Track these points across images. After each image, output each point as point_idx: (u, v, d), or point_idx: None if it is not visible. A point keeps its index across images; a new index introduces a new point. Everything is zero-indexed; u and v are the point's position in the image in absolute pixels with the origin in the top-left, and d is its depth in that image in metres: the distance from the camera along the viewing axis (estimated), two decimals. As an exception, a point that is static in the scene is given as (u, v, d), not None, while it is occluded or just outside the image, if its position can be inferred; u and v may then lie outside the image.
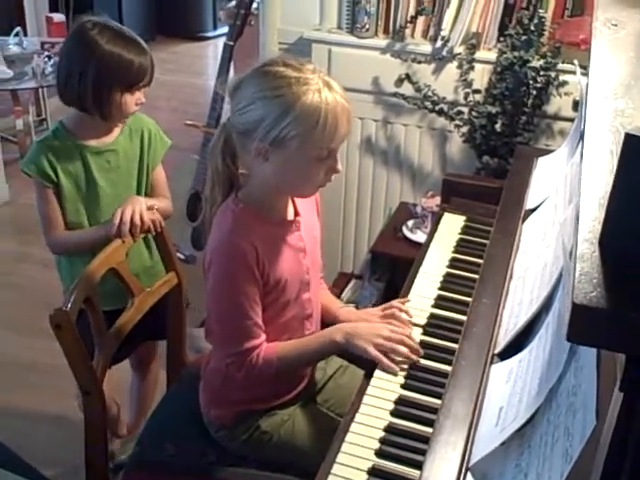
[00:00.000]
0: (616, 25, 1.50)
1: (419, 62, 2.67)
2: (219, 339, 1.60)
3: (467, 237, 1.98)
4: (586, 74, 1.41)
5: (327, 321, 1.72)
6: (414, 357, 1.52)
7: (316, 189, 1.56)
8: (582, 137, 1.08)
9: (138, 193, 2.05)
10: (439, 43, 2.65)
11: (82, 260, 1.94)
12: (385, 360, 1.51)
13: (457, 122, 2.63)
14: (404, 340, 1.54)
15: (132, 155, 2.04)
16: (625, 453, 0.77)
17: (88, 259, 1.82)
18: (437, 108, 2.64)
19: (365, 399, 1.44)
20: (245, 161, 1.51)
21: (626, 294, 0.70)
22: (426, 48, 2.68)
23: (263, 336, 1.55)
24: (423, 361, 1.54)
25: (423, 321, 1.66)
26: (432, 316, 1.68)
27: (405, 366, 1.52)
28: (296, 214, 1.60)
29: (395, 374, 1.50)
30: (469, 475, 1.18)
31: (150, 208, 1.94)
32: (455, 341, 1.54)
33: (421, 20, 2.69)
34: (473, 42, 2.61)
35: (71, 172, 1.98)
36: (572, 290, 0.67)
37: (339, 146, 1.48)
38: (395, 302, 1.69)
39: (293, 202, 1.61)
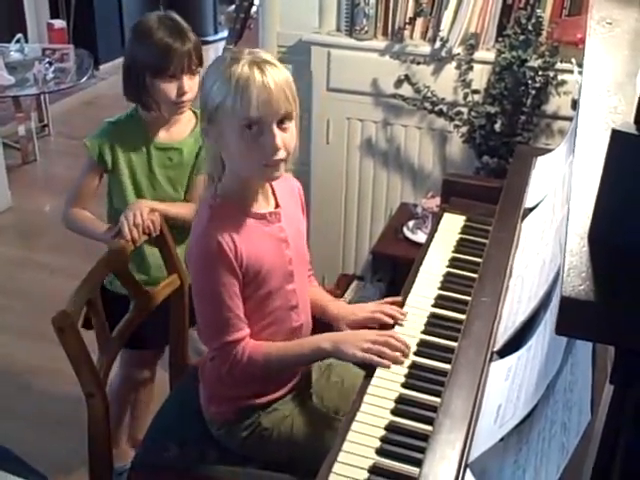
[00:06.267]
0: (611, 23, 1.51)
1: (418, 63, 2.68)
2: (204, 334, 1.62)
3: (467, 237, 1.99)
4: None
5: (316, 315, 1.75)
6: (402, 359, 1.54)
7: (263, 169, 1.52)
8: (575, 134, 1.09)
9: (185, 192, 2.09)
10: (438, 44, 2.66)
11: None
12: (375, 358, 1.52)
13: (456, 122, 2.64)
14: (389, 341, 1.55)
15: (192, 156, 2.07)
16: (616, 444, 0.78)
17: None
18: (436, 109, 2.65)
19: (366, 398, 1.45)
20: (215, 154, 1.57)
21: (614, 287, 0.71)
22: (425, 49, 2.69)
23: (246, 330, 1.57)
24: (424, 360, 1.55)
25: (423, 320, 1.67)
26: (432, 315, 1.68)
27: (399, 365, 1.53)
28: (277, 206, 1.63)
29: (387, 367, 1.52)
30: (468, 472, 1.18)
31: (152, 210, 1.96)
32: (455, 340, 1.55)
33: (420, 21, 2.70)
34: (472, 42, 2.62)
35: (132, 161, 2.02)
36: (561, 283, 0.68)
37: (269, 119, 1.47)
38: (388, 299, 1.73)
39: (274, 194, 1.63)
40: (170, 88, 1.94)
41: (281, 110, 1.48)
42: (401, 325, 1.65)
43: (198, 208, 1.60)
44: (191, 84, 1.96)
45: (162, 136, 2.05)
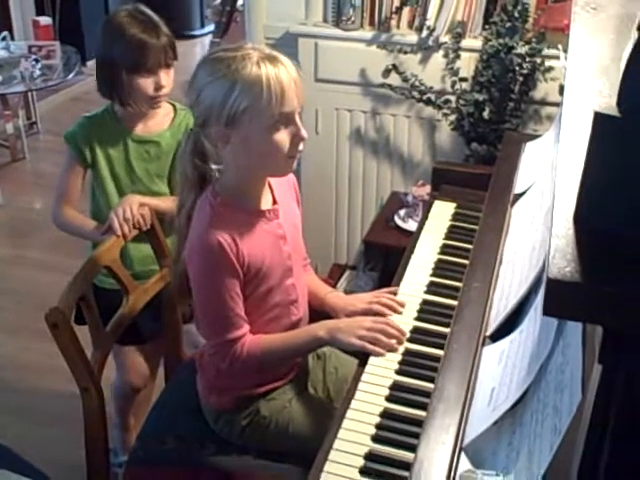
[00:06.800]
0: (595, 9, 1.51)
1: (405, 52, 2.69)
2: (204, 330, 1.63)
3: (458, 223, 2.00)
4: (569, 57, 1.42)
5: (314, 307, 1.75)
6: (396, 346, 1.55)
7: (288, 161, 1.54)
8: (560, 118, 1.10)
9: (168, 186, 2.09)
10: (425, 33, 2.67)
11: None
12: (370, 346, 1.53)
13: (445, 111, 2.65)
14: (385, 329, 1.56)
15: (172, 148, 2.06)
16: (606, 423, 0.79)
17: None
18: (425, 97, 2.66)
19: (360, 386, 1.46)
20: (215, 154, 1.53)
21: (599, 268, 0.72)
22: (412, 38, 2.70)
23: (246, 327, 1.58)
24: (417, 346, 1.56)
25: (416, 307, 1.68)
26: (424, 302, 1.70)
27: (394, 352, 1.54)
28: (274, 202, 1.63)
29: (383, 356, 1.53)
30: (463, 455, 1.20)
31: (142, 205, 1.96)
32: (447, 325, 1.56)
33: (406, 10, 2.70)
34: (458, 31, 2.62)
35: (110, 155, 2.02)
36: (547, 265, 0.69)
37: (295, 112, 1.49)
38: (384, 290, 1.72)
39: (271, 190, 1.63)
40: (147, 83, 1.94)
41: (301, 100, 1.49)
42: (399, 313, 1.66)
43: (197, 206, 1.57)
44: (167, 78, 1.96)
45: (139, 129, 2.05)
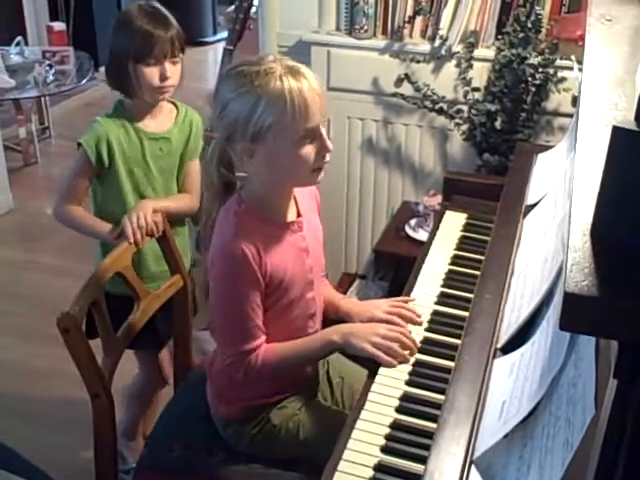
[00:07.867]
0: (610, 20, 1.51)
1: (418, 62, 2.69)
2: (221, 338, 1.62)
3: (469, 234, 2.00)
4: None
5: (329, 314, 1.74)
6: (409, 357, 1.54)
7: (313, 174, 1.52)
8: (576, 130, 1.10)
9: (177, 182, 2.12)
10: (437, 42, 2.67)
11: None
12: (383, 355, 1.52)
13: (457, 120, 2.65)
14: (400, 338, 1.55)
15: (180, 145, 2.10)
16: (622, 438, 0.79)
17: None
18: (437, 107, 2.66)
19: (370, 396, 1.46)
20: (239, 165, 1.53)
21: (616, 283, 0.72)
22: (425, 48, 2.70)
23: (263, 337, 1.57)
24: (427, 358, 1.55)
25: (426, 318, 1.67)
26: (435, 313, 1.69)
27: (405, 364, 1.53)
28: (298, 215, 1.62)
29: (394, 367, 1.52)
30: (473, 468, 1.19)
31: (155, 211, 1.97)
32: (458, 337, 1.56)
33: (419, 20, 2.71)
34: (471, 40, 2.62)
35: (127, 154, 2.03)
36: (564, 279, 0.69)
37: (320, 125, 1.48)
38: (401, 299, 1.71)
39: (296, 203, 1.62)
40: (153, 73, 1.96)
41: (324, 112, 1.49)
42: (419, 324, 1.65)
43: (221, 214, 1.57)
44: (173, 69, 1.98)
45: (151, 127, 2.06)
